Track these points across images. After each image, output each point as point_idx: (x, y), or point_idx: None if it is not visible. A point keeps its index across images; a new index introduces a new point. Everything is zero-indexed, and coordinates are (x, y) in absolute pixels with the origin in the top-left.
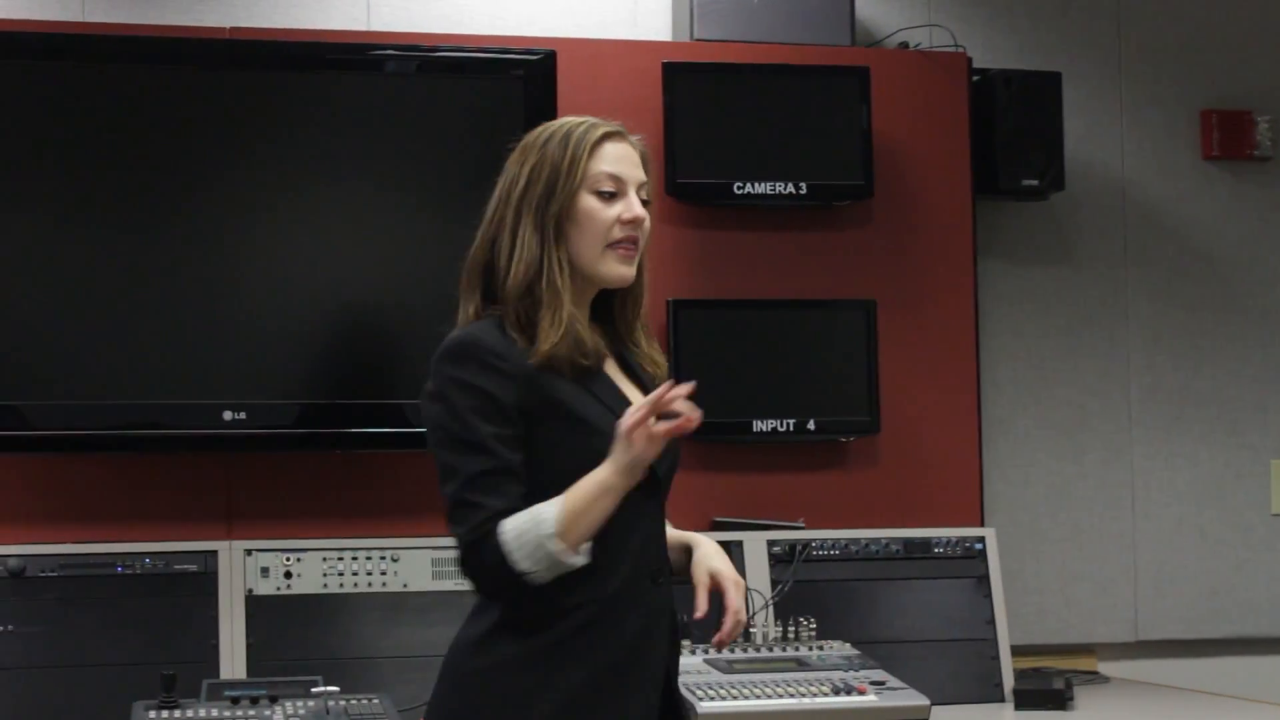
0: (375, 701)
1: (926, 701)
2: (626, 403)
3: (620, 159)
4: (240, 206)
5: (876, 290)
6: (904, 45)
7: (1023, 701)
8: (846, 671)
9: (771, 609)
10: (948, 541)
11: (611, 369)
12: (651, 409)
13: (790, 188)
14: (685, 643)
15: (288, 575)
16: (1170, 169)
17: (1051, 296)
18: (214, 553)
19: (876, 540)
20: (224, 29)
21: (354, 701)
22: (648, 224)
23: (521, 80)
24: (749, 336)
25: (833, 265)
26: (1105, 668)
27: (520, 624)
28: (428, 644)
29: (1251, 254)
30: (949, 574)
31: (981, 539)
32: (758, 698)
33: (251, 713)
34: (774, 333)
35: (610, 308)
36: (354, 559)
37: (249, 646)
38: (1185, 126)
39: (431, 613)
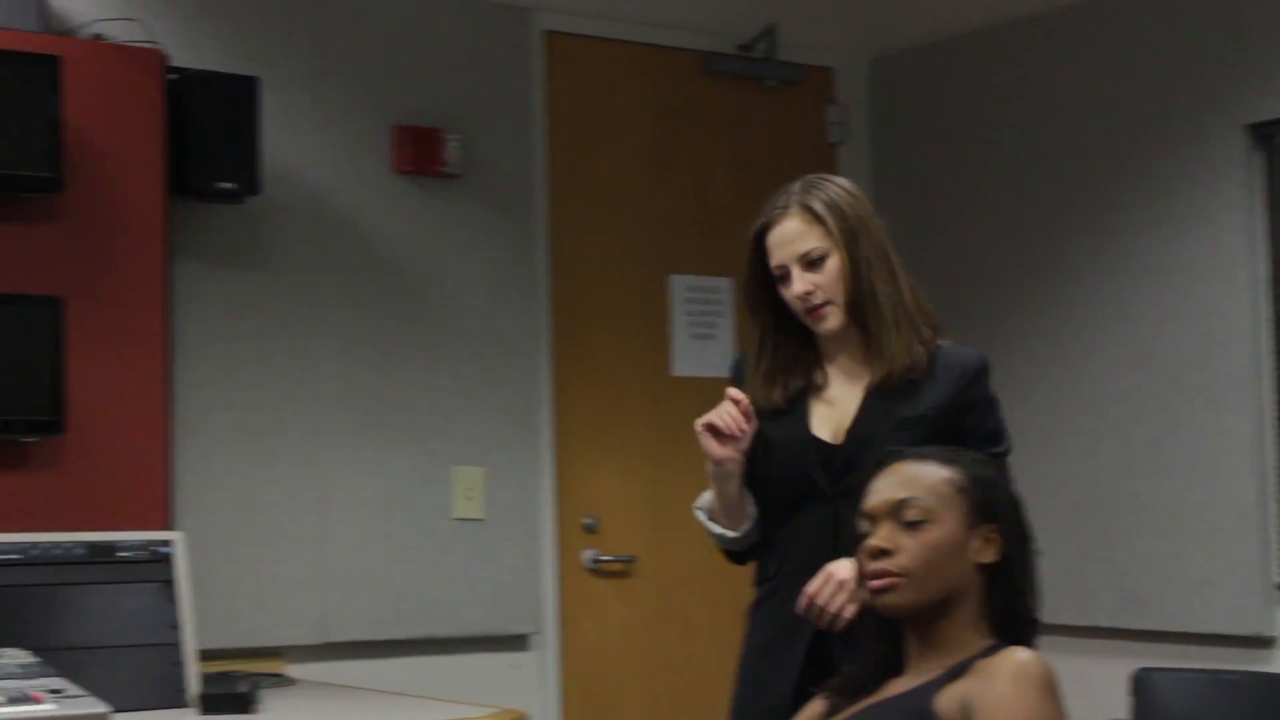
0: None
1: (106, 708)
2: None
3: (776, 246)
4: None
5: (65, 286)
6: (99, 37)
7: (208, 706)
8: (23, 680)
9: None
10: (134, 545)
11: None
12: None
13: None
14: None
15: None
16: (363, 180)
17: (247, 300)
18: None
19: (59, 544)
20: None
21: None
22: (821, 279)
23: None
24: None
25: (19, 258)
26: (293, 670)
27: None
28: None
29: (439, 268)
30: (135, 578)
31: (169, 542)
32: None
33: None
34: None
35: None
36: None
37: None
38: (378, 140)
39: None
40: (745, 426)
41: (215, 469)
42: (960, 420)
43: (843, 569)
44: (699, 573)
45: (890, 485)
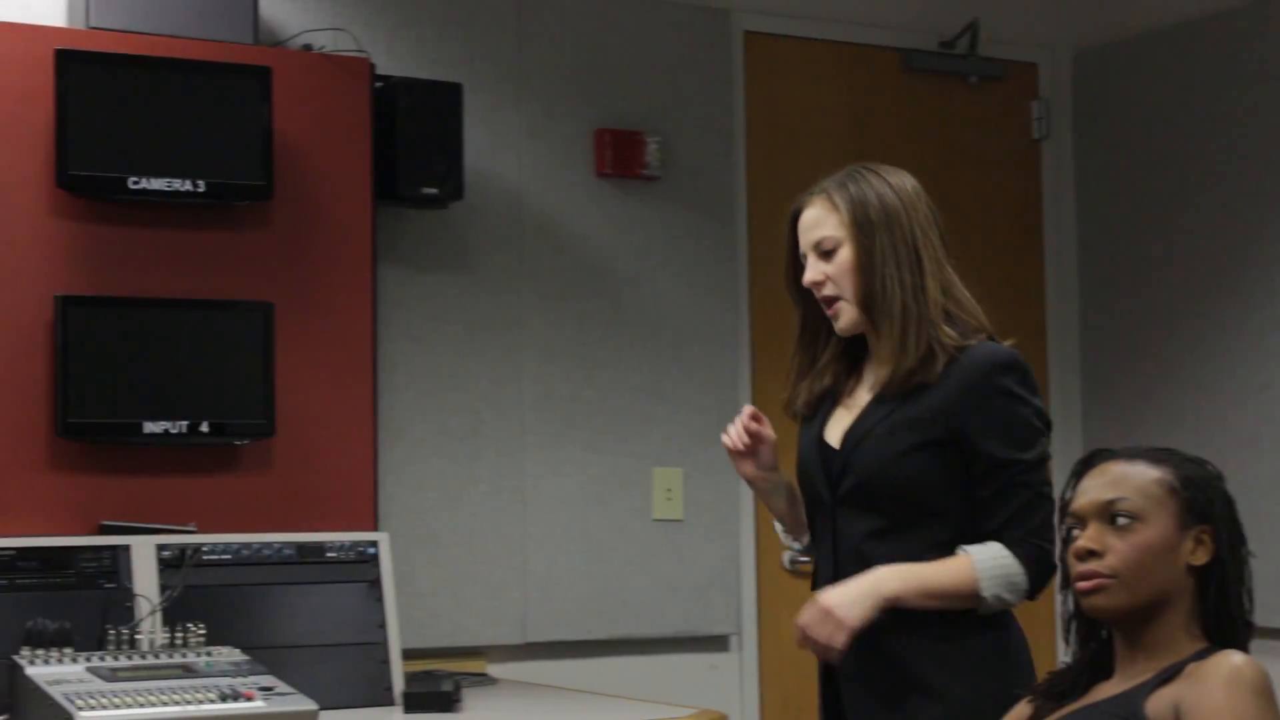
0: None
1: (314, 706)
2: None
3: (802, 232)
4: None
5: (275, 292)
6: (307, 47)
7: (412, 704)
8: (235, 678)
9: (160, 615)
10: (341, 545)
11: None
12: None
13: (189, 185)
14: (68, 650)
15: None
16: (565, 184)
17: (449, 304)
18: None
19: (269, 544)
20: None
21: None
22: (831, 269)
23: None
24: (142, 335)
25: (231, 265)
26: (494, 669)
27: None
28: None
29: (639, 270)
30: (341, 578)
31: (374, 543)
32: (141, 706)
33: None
34: (168, 332)
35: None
36: None
37: None
38: (580, 143)
39: None
40: (747, 440)
41: (418, 470)
42: (965, 421)
43: (828, 595)
44: None
45: (1098, 485)
